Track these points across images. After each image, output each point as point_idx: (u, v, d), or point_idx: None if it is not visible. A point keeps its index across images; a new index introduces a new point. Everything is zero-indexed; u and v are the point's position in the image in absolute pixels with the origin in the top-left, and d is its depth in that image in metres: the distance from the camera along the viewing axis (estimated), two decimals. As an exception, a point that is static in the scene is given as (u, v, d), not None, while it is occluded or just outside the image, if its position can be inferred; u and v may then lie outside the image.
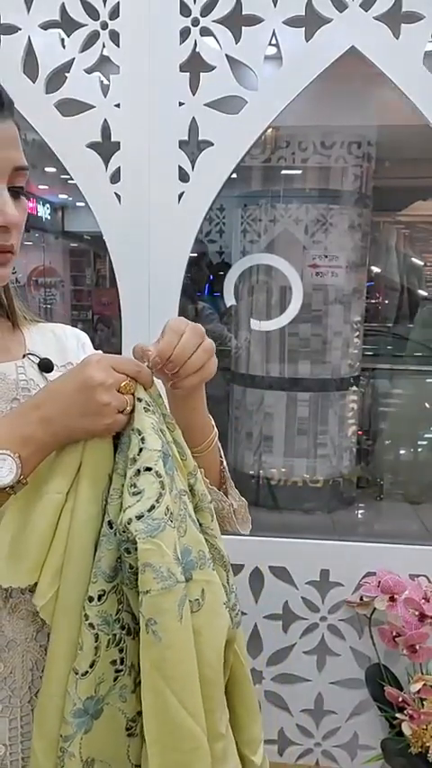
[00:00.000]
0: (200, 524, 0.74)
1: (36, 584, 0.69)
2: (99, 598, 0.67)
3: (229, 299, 1.77)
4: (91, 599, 0.67)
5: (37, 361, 0.81)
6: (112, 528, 0.67)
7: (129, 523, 0.64)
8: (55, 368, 0.82)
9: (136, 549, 0.63)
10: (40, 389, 0.73)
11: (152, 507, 0.65)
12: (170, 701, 0.64)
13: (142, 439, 0.68)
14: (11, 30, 1.45)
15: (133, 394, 0.69)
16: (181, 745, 0.65)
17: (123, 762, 0.70)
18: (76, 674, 0.66)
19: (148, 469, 0.66)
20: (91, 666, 0.66)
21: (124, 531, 0.64)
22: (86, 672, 0.66)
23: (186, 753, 0.65)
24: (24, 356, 0.81)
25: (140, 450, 0.67)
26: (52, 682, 0.68)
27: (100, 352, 0.72)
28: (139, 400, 0.69)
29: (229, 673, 0.75)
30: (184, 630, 0.65)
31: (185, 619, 0.65)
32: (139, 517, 0.64)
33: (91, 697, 0.67)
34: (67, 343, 0.88)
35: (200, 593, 0.69)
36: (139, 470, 0.66)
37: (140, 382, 0.70)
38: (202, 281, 3.70)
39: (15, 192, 0.72)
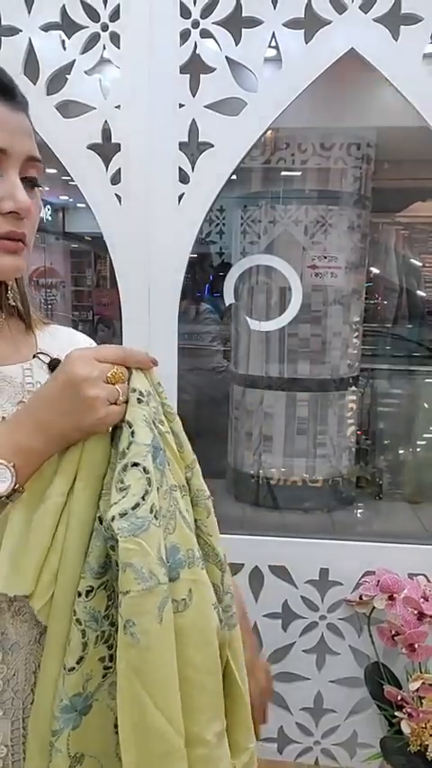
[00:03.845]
0: (195, 521, 0.73)
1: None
2: (87, 594, 0.66)
3: (229, 300, 1.78)
4: (79, 594, 0.65)
5: (47, 360, 0.80)
6: (102, 523, 0.66)
7: (112, 520, 0.62)
8: None
9: None
10: (32, 394, 0.72)
11: (137, 505, 0.63)
12: (145, 703, 0.63)
13: (132, 432, 0.66)
14: (12, 31, 1.46)
15: (126, 382, 0.68)
16: (154, 747, 0.64)
17: (112, 757, 0.69)
18: (64, 669, 0.66)
19: (136, 465, 0.65)
20: (78, 662, 0.65)
21: (108, 528, 0.63)
22: (73, 668, 0.65)
23: (159, 756, 0.64)
24: (35, 356, 0.81)
25: (129, 444, 0.66)
26: (45, 680, 0.68)
27: (80, 347, 0.70)
28: (133, 390, 0.68)
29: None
30: (165, 632, 0.64)
31: (166, 621, 0.63)
32: (123, 515, 0.63)
33: (78, 694, 0.66)
34: (79, 345, 0.88)
35: (187, 593, 0.68)
36: (126, 465, 0.65)
37: (132, 366, 0.69)
38: (205, 282, 3.70)
39: (30, 185, 0.72)
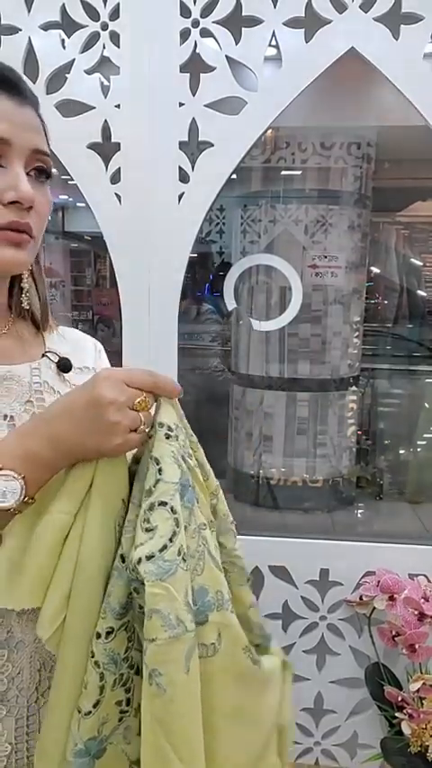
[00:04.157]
0: (223, 547, 0.71)
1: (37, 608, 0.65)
2: (107, 635, 0.62)
3: (229, 300, 1.78)
4: (99, 635, 0.62)
5: (55, 359, 0.80)
6: (124, 562, 0.63)
7: (138, 563, 0.59)
8: (73, 368, 0.80)
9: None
10: (53, 402, 0.70)
11: (164, 547, 0.60)
12: (170, 758, 0.60)
13: (159, 470, 0.63)
14: (11, 30, 1.46)
15: (150, 410, 0.65)
16: None
17: None
18: (80, 712, 0.63)
19: (163, 504, 0.61)
20: (95, 706, 0.63)
21: (133, 570, 0.60)
22: (90, 712, 0.63)
23: None
24: (43, 355, 0.80)
25: (157, 481, 0.62)
26: (54, 721, 0.65)
27: (111, 368, 0.69)
28: (161, 425, 0.64)
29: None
30: (191, 683, 0.61)
31: (193, 670, 0.61)
32: (150, 557, 0.60)
33: (93, 737, 0.64)
34: (85, 347, 0.87)
35: (216, 637, 0.64)
36: (153, 504, 0.62)
37: (161, 394, 0.66)
38: (205, 282, 3.70)
39: (38, 180, 0.72)
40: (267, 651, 0.78)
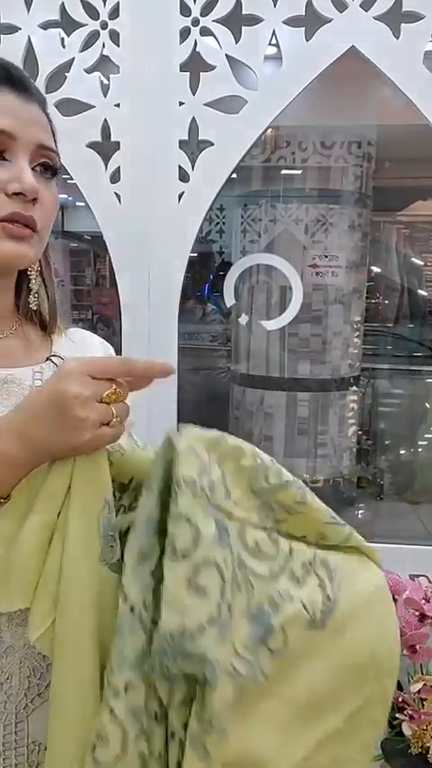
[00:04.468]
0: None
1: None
2: (126, 690, 0.59)
3: (229, 299, 1.77)
4: (116, 693, 0.59)
5: (60, 363, 0.78)
6: (133, 612, 0.59)
7: (183, 637, 0.56)
8: None
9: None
10: (24, 398, 0.67)
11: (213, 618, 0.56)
12: None
13: (196, 529, 0.58)
14: (11, 29, 1.45)
15: (124, 401, 0.62)
16: None
17: None
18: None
19: (208, 563, 0.57)
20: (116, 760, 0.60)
21: (170, 642, 0.56)
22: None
23: None
24: (47, 359, 0.79)
25: (196, 542, 0.58)
26: (60, 727, 0.63)
27: (78, 359, 0.64)
28: (184, 482, 0.58)
29: None
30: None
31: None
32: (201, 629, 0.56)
33: None
34: (92, 348, 0.86)
35: (282, 638, 0.62)
36: (197, 566, 0.57)
37: (141, 379, 0.63)
38: (205, 282, 3.71)
39: (44, 176, 0.72)
40: (346, 543, 0.73)
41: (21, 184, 0.67)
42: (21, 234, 0.69)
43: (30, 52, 1.46)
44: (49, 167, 0.73)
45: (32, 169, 0.70)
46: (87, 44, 1.45)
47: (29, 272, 0.79)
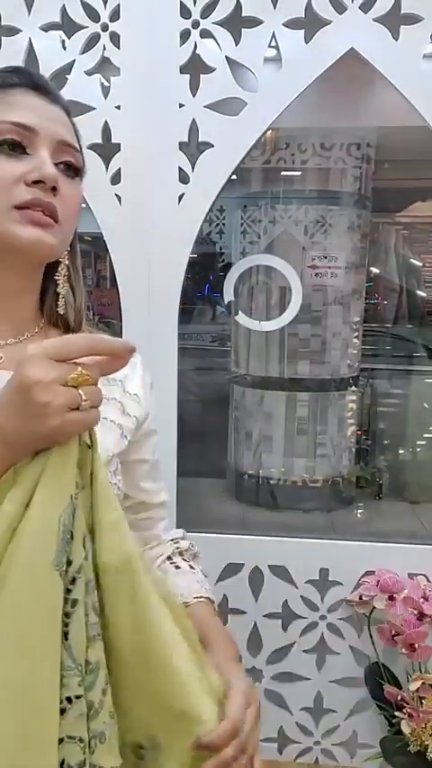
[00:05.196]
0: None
1: None
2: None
3: (229, 299, 1.78)
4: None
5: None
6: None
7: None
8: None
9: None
10: None
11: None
12: None
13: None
14: (12, 32, 1.46)
15: (94, 383, 0.58)
16: None
17: None
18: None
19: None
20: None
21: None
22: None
23: None
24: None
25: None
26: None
27: (42, 342, 0.60)
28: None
29: None
30: None
31: None
32: None
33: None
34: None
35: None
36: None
37: (109, 367, 0.60)
38: (206, 282, 3.72)
39: (68, 176, 0.72)
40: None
41: (40, 172, 0.68)
42: (43, 221, 0.68)
43: (31, 54, 1.46)
44: (71, 166, 0.73)
45: (55, 165, 0.70)
46: (88, 46, 1.46)
47: (56, 276, 0.77)
